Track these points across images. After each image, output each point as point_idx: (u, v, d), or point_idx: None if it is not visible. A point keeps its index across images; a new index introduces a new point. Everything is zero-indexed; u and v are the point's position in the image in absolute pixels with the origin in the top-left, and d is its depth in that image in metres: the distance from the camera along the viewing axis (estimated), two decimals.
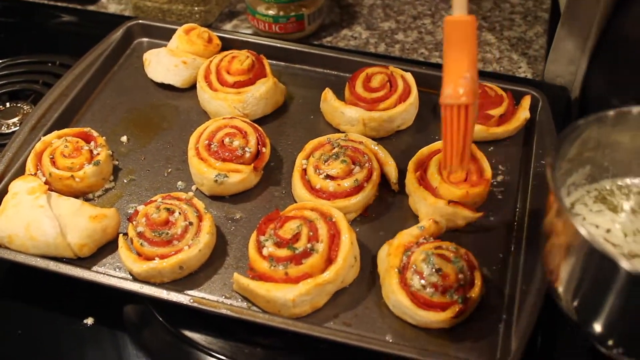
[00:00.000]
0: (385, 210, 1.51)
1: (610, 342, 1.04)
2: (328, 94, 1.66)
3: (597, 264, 0.97)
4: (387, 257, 1.33)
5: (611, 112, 1.13)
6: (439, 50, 2.03)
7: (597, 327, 1.04)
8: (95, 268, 1.41)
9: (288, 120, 1.72)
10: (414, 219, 1.49)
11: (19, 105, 1.84)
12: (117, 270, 1.41)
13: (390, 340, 1.29)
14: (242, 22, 2.15)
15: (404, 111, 1.63)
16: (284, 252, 1.31)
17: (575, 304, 1.06)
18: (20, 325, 1.38)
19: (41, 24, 2.21)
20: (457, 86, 1.25)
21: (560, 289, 1.07)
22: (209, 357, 1.33)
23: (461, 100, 1.25)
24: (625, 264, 0.92)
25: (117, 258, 1.42)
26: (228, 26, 2.14)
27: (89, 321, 1.38)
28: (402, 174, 1.53)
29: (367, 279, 1.38)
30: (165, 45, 1.86)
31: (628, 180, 1.21)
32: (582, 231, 0.96)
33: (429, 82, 1.72)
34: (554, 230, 1.06)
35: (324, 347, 1.33)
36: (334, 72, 1.84)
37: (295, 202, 1.51)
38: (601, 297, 0.98)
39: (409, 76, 1.70)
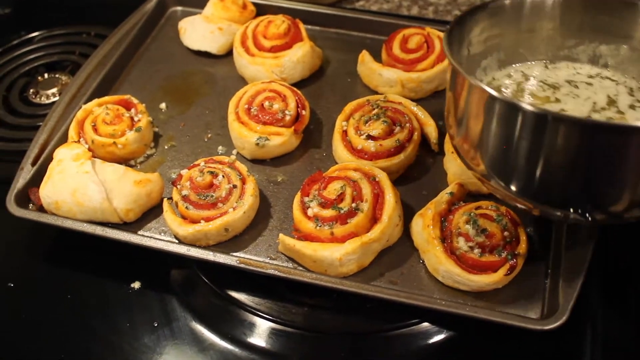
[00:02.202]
0: (425, 170, 1.51)
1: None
2: (365, 56, 1.65)
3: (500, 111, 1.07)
4: (425, 229, 1.32)
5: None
6: None
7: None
8: (141, 232, 1.42)
9: (325, 83, 1.72)
10: None
11: (57, 76, 1.85)
12: (162, 234, 1.42)
13: (438, 298, 1.28)
14: None
15: (442, 71, 1.62)
16: (329, 212, 1.31)
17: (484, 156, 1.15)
18: (69, 290, 1.40)
19: None
20: None
21: (467, 147, 1.18)
22: (256, 317, 1.34)
23: None
24: (526, 105, 1.03)
25: (161, 222, 1.43)
26: None
27: (136, 285, 1.39)
28: (441, 134, 1.52)
29: (411, 237, 1.37)
30: (199, 13, 1.85)
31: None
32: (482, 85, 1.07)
33: None
34: (457, 92, 1.17)
35: (370, 305, 1.33)
36: (369, 35, 1.83)
37: (337, 163, 1.51)
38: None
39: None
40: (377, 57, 1.69)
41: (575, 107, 1.23)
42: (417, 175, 1.49)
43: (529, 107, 1.04)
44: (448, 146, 1.46)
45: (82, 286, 1.41)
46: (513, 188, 1.14)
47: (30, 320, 1.36)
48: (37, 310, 1.37)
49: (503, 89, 1.29)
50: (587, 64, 1.36)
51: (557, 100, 1.25)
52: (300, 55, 1.65)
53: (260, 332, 1.32)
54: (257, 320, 1.34)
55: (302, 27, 1.73)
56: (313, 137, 1.58)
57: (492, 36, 1.33)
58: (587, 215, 1.11)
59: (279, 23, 1.69)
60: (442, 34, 1.68)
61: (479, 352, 1.28)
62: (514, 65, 1.36)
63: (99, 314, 1.37)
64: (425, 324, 1.32)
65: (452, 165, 1.43)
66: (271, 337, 1.31)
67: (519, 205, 1.17)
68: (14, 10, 2.19)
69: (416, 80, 1.59)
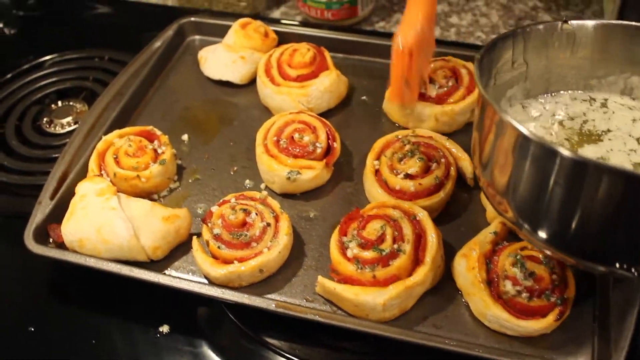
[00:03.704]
0: (461, 206, 1.46)
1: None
2: None
3: (534, 154, 1.01)
4: (470, 271, 1.27)
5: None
6: (496, 33, 1.96)
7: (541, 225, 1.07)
8: (168, 271, 1.36)
9: (352, 113, 1.67)
10: None
11: (71, 103, 1.79)
12: (191, 273, 1.36)
13: (485, 344, 1.23)
14: (291, 9, 2.10)
15: (473, 103, 1.57)
16: (370, 254, 1.26)
17: (516, 201, 1.09)
18: (94, 333, 1.33)
19: (81, 17, 2.18)
20: (406, 35, 1.32)
21: (496, 190, 1.12)
22: None
23: (406, 48, 1.32)
24: (564, 150, 0.96)
25: (189, 260, 1.37)
26: (276, 13, 2.09)
27: (165, 329, 1.33)
28: None
29: (452, 277, 1.32)
30: (218, 42, 1.80)
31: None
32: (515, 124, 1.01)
33: None
34: (485, 129, 1.12)
35: (410, 350, 1.27)
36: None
37: (367, 199, 1.46)
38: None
39: (471, 66, 1.64)
40: None
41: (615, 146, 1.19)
42: (453, 211, 1.44)
43: (566, 153, 0.97)
44: None
45: (108, 330, 1.34)
46: (546, 238, 1.08)
47: None
48: (61, 357, 1.30)
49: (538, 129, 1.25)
50: (618, 95, 1.32)
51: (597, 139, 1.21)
52: (327, 85, 1.61)
53: None
54: None
55: (328, 55, 1.68)
56: (343, 169, 1.53)
57: (520, 64, 1.29)
58: (633, 270, 1.05)
59: (305, 51, 1.64)
60: (467, 64, 1.64)
61: None
62: (543, 97, 1.33)
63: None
64: None
65: None
66: None
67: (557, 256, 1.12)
68: (20, 31, 2.12)
69: (450, 114, 1.55)
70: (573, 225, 1.03)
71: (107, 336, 1.33)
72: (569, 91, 1.33)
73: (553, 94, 1.33)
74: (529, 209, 1.09)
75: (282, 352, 1.29)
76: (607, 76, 1.32)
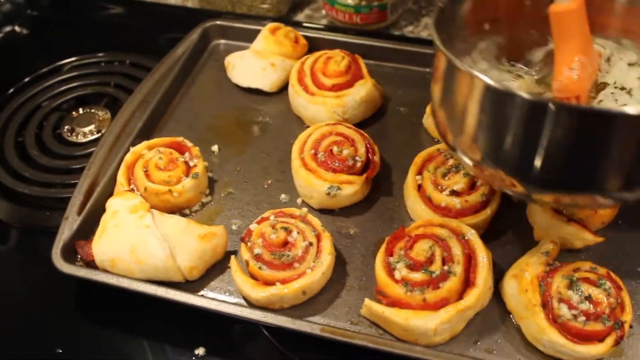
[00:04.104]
0: (506, 222, 1.40)
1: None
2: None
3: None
4: (523, 294, 1.21)
5: None
6: None
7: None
8: (204, 292, 1.31)
9: (388, 123, 1.62)
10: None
11: (92, 111, 1.72)
12: (228, 294, 1.30)
13: None
14: (315, 12, 2.04)
15: None
16: (419, 276, 1.20)
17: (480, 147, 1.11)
18: (125, 357, 1.28)
19: (95, 18, 2.11)
20: (567, 80, 1.21)
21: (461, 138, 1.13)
22: None
23: (570, 94, 1.22)
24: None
25: (226, 280, 1.32)
26: (300, 16, 2.02)
27: (200, 351, 1.27)
28: None
29: (500, 298, 1.27)
30: (244, 48, 1.74)
31: None
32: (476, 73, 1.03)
33: None
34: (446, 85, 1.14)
35: None
36: (428, 69, 1.71)
37: (409, 214, 1.40)
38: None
39: None
40: None
41: None
42: (499, 228, 1.39)
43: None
44: None
45: (140, 353, 1.29)
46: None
47: None
48: None
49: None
50: None
51: None
52: (363, 94, 1.55)
53: None
54: None
55: (362, 63, 1.62)
56: (381, 183, 1.47)
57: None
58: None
59: (339, 59, 1.58)
60: None
61: None
62: None
63: None
64: None
65: (539, 218, 1.34)
66: None
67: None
68: (33, 32, 2.05)
69: None
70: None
71: (140, 359, 1.28)
72: None
73: None
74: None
75: None
76: None
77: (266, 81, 1.65)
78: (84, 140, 1.66)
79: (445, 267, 1.21)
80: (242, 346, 1.31)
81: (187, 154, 1.46)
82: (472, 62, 1.29)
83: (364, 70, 1.61)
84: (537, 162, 1.05)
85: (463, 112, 1.11)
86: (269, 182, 1.49)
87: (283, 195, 1.46)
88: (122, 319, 1.34)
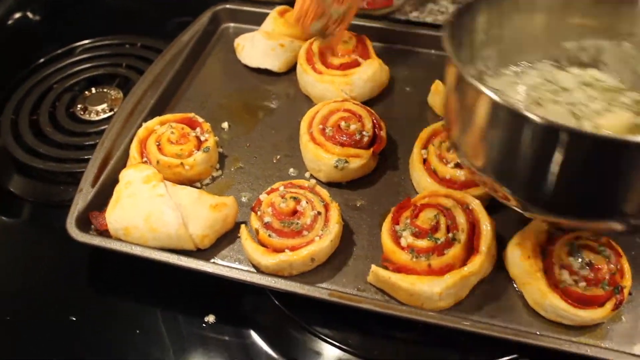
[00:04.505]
0: None
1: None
2: (440, 86, 1.58)
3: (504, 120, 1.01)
4: (525, 260, 1.25)
5: None
6: None
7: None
8: (215, 260, 1.33)
9: (394, 102, 1.65)
10: None
11: (105, 90, 1.76)
12: (238, 262, 1.34)
13: (540, 333, 1.21)
14: None
15: None
16: (425, 243, 1.24)
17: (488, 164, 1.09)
18: (137, 324, 1.31)
19: (104, 2, 2.15)
20: None
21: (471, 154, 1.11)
22: (342, 352, 1.26)
23: None
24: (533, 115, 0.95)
25: (236, 249, 1.35)
26: None
27: (211, 319, 1.30)
28: None
29: (503, 267, 1.31)
30: (253, 30, 1.78)
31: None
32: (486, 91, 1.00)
33: None
34: (457, 99, 1.10)
35: (464, 339, 1.25)
36: (433, 51, 1.76)
37: (415, 187, 1.44)
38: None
39: None
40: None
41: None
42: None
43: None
44: None
45: (153, 320, 1.32)
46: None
47: (95, 356, 1.27)
48: (104, 348, 1.28)
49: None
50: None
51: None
52: (370, 73, 1.59)
53: None
54: (344, 356, 1.26)
55: (369, 43, 1.66)
56: (388, 158, 1.51)
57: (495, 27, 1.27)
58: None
59: (347, 39, 1.62)
60: None
61: None
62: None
63: (173, 351, 1.28)
64: None
65: None
66: None
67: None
68: (45, 18, 2.09)
69: None
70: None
71: (151, 327, 1.31)
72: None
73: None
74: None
75: (334, 342, 1.26)
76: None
77: (275, 61, 1.69)
78: (97, 118, 1.69)
79: (450, 235, 1.25)
80: (251, 314, 1.33)
81: (198, 129, 1.50)
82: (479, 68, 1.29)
83: (371, 50, 1.64)
84: (540, 185, 1.04)
85: (471, 121, 1.09)
86: (278, 157, 1.52)
87: (292, 170, 1.49)
88: (134, 288, 1.37)
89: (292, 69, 1.70)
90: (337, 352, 1.26)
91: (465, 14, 1.20)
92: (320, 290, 1.24)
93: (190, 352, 1.27)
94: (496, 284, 1.29)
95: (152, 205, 1.30)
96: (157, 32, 1.89)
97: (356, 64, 1.60)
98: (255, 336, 1.29)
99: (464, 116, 1.10)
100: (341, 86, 1.57)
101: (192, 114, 1.52)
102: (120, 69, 1.81)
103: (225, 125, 1.59)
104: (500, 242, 1.33)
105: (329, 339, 1.27)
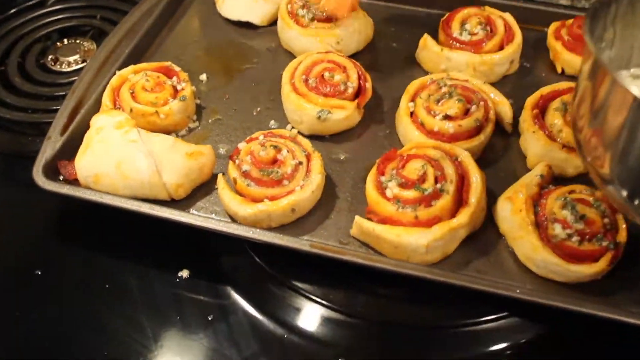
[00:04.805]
0: (499, 152, 1.39)
1: None
2: (428, 41, 1.51)
3: None
4: (516, 214, 1.19)
5: None
6: None
7: None
8: (190, 212, 1.26)
9: (379, 57, 1.59)
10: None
11: (78, 41, 1.68)
12: (215, 214, 1.27)
13: (532, 289, 1.15)
14: None
15: (514, 52, 1.50)
16: (411, 194, 1.18)
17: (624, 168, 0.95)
18: (106, 278, 1.24)
19: None
20: None
21: (595, 143, 0.97)
22: (323, 308, 1.19)
23: None
24: None
25: (212, 200, 1.29)
26: None
27: (184, 273, 1.24)
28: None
29: (493, 223, 1.25)
30: None
31: None
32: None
33: (529, 18, 1.62)
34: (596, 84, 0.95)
35: (452, 296, 1.20)
36: (420, 8, 1.70)
37: (401, 142, 1.38)
38: None
39: (508, 16, 1.56)
40: (433, 35, 1.55)
41: None
42: (491, 157, 1.37)
43: None
44: (526, 125, 1.35)
45: (122, 274, 1.25)
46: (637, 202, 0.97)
47: (64, 314, 1.19)
48: (72, 303, 1.21)
49: None
50: None
51: None
52: (356, 26, 1.52)
53: (329, 324, 1.18)
54: (326, 312, 1.19)
55: None
56: (373, 113, 1.45)
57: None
58: None
59: None
60: (504, 14, 1.56)
61: (575, 350, 1.16)
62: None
63: (143, 306, 1.21)
64: (513, 319, 1.18)
65: (534, 145, 1.31)
66: (342, 329, 1.18)
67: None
68: None
69: (489, 63, 1.47)
70: None
71: (121, 281, 1.24)
72: None
73: None
74: (630, 168, 0.95)
75: (315, 298, 1.20)
76: None
77: (257, 13, 1.62)
78: (69, 69, 1.62)
79: (438, 186, 1.19)
80: (228, 269, 1.27)
81: (174, 78, 1.43)
82: None
83: (355, 1, 1.57)
84: None
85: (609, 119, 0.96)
86: (258, 109, 1.46)
87: (272, 122, 1.43)
88: (104, 241, 1.30)
89: (274, 23, 1.63)
90: (319, 309, 1.20)
91: (606, 6, 1.06)
92: (300, 242, 1.18)
93: (163, 308, 1.21)
94: (486, 239, 1.23)
95: (124, 151, 1.23)
96: None
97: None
98: (231, 292, 1.23)
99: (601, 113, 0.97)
100: (327, 39, 1.50)
101: (168, 63, 1.45)
102: (94, 21, 1.73)
103: (203, 77, 1.52)
104: (490, 198, 1.27)
105: (309, 295, 1.21)
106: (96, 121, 1.29)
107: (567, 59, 1.50)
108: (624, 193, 0.96)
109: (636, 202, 0.95)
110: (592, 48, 0.95)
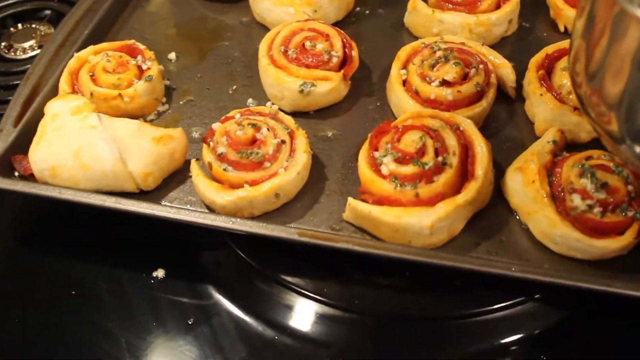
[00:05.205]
0: (503, 119, 1.26)
1: None
2: (418, 3, 1.38)
3: None
4: (529, 186, 1.06)
5: None
6: None
7: None
8: (163, 203, 1.12)
9: (366, 26, 1.47)
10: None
11: (33, 26, 1.54)
12: (190, 205, 1.13)
13: (551, 269, 1.02)
14: None
15: (512, 11, 1.36)
16: (410, 169, 1.04)
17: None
18: (73, 284, 1.12)
19: None
20: None
21: (603, 100, 0.84)
22: (317, 304, 1.06)
23: None
24: None
25: (187, 190, 1.16)
26: None
27: (160, 273, 1.12)
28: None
29: (502, 198, 1.11)
30: None
31: None
32: None
33: None
34: (597, 27, 0.82)
35: (460, 283, 1.06)
36: None
37: (394, 114, 1.24)
38: None
39: None
40: None
41: None
42: (495, 126, 1.24)
43: None
44: (532, 88, 1.21)
45: (90, 278, 1.13)
46: None
47: (26, 326, 1.07)
48: (33, 312, 1.08)
49: None
50: None
51: None
52: None
53: (324, 321, 1.06)
54: (319, 308, 1.06)
55: None
56: (361, 85, 1.31)
57: None
58: None
59: None
60: None
61: (600, 335, 1.03)
62: None
63: (115, 313, 1.08)
64: (530, 304, 1.05)
65: (542, 110, 1.18)
66: (338, 326, 1.05)
67: None
68: None
69: (486, 24, 1.34)
70: None
71: (89, 285, 1.12)
72: None
73: None
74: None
75: (307, 293, 1.07)
76: None
77: None
78: (24, 56, 1.49)
79: (440, 159, 1.06)
80: (208, 266, 1.14)
81: (139, 57, 1.29)
82: None
83: None
84: None
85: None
86: (234, 87, 1.32)
87: (250, 100, 1.30)
88: (68, 242, 1.18)
89: None
90: (312, 305, 1.07)
91: None
92: (287, 230, 1.04)
93: (137, 314, 1.09)
94: (495, 216, 1.11)
95: (83, 139, 1.09)
96: None
97: None
98: (213, 291, 1.11)
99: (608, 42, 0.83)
100: (303, 7, 1.37)
101: (132, 41, 1.32)
102: (51, 3, 1.59)
103: (172, 55, 1.38)
104: (497, 170, 1.14)
105: (301, 290, 1.09)
106: (51, 107, 1.16)
107: (569, 15, 1.37)
108: (638, 149, 0.82)
109: None
110: None
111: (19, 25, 1.54)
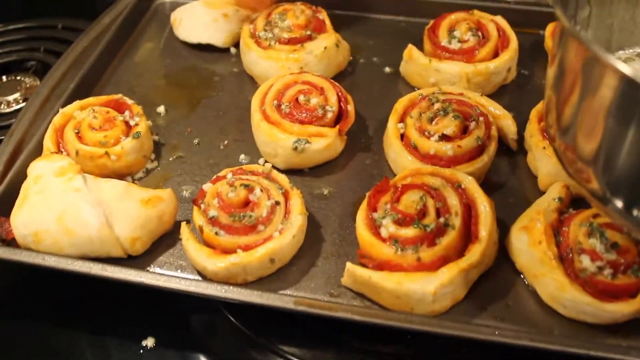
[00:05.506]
0: (505, 173, 1.22)
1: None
2: (413, 52, 1.35)
3: None
4: (535, 247, 1.02)
5: None
6: None
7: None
8: (151, 269, 1.08)
9: (361, 76, 1.44)
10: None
11: (18, 78, 1.50)
12: (180, 270, 1.08)
13: (562, 335, 0.97)
14: None
15: (511, 59, 1.33)
16: (411, 232, 0.99)
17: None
18: (58, 351, 1.07)
19: None
20: None
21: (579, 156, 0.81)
22: None
23: None
24: None
25: (177, 254, 1.11)
26: None
27: (149, 342, 1.07)
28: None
29: (507, 258, 1.06)
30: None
31: None
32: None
33: (523, 21, 1.46)
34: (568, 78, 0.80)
35: (466, 350, 1.01)
36: (401, 17, 1.54)
37: (392, 169, 1.19)
38: None
39: (500, 20, 1.40)
40: (418, 46, 1.37)
41: None
42: (496, 180, 1.19)
43: None
44: (534, 141, 1.17)
45: (76, 346, 1.08)
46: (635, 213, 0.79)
47: None
48: None
49: None
50: None
51: None
52: (323, 49, 1.34)
53: None
54: None
55: (326, 16, 1.43)
56: (357, 139, 1.27)
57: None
58: None
59: (298, 13, 1.39)
60: (495, 18, 1.40)
61: None
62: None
63: None
64: None
65: (545, 163, 1.14)
66: None
67: None
68: None
69: (484, 73, 1.30)
70: None
71: (75, 354, 1.07)
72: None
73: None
74: (625, 182, 0.79)
75: None
76: None
77: (218, 35, 1.45)
78: (8, 109, 1.45)
79: (442, 220, 1.01)
80: (200, 334, 1.09)
81: (127, 113, 1.25)
82: None
83: (328, 24, 1.42)
84: None
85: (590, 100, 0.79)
86: (226, 142, 1.28)
87: (242, 156, 1.25)
88: (53, 308, 1.13)
89: (238, 45, 1.44)
90: None
91: None
92: (283, 298, 0.99)
93: None
94: (500, 278, 1.06)
95: (66, 202, 1.04)
96: (81, 12, 1.62)
97: (308, 39, 1.36)
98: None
99: (580, 94, 0.80)
100: (289, 63, 1.32)
101: (119, 95, 1.28)
102: (37, 54, 1.55)
103: (161, 109, 1.34)
104: (501, 228, 1.09)
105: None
106: (34, 168, 1.10)
107: None
108: (619, 204, 0.78)
109: (635, 212, 0.78)
110: (564, 21, 0.78)
111: (4, 78, 1.51)
